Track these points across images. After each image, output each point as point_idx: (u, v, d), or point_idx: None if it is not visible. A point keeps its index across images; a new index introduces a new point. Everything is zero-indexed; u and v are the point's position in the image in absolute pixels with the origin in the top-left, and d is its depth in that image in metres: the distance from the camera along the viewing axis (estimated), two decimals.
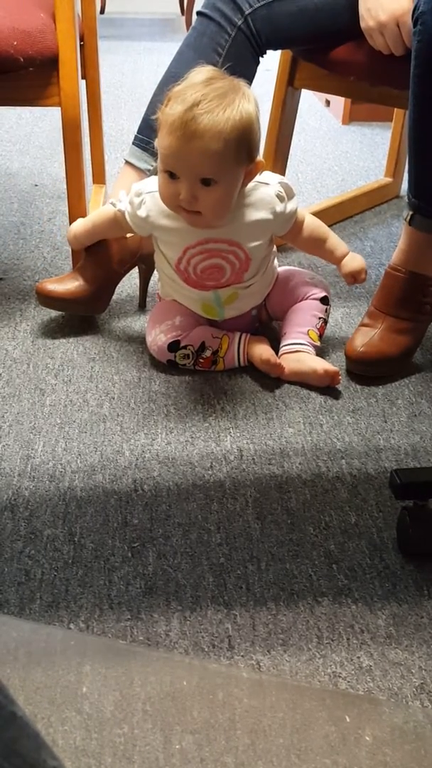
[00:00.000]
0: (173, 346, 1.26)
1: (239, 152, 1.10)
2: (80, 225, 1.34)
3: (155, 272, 1.43)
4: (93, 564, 0.92)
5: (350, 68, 1.44)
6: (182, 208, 1.13)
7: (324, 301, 1.33)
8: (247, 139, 1.10)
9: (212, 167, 1.09)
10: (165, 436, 1.14)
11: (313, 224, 1.30)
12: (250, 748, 0.72)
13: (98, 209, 1.34)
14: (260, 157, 1.16)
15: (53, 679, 0.78)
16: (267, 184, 1.21)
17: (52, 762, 0.39)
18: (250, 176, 1.16)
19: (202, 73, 1.11)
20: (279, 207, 1.21)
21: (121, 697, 0.76)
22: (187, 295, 1.27)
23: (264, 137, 1.46)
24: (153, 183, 1.20)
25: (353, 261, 1.31)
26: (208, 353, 1.26)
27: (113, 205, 1.28)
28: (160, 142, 1.11)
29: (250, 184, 1.18)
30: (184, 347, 1.26)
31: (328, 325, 1.35)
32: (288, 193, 1.23)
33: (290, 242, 1.32)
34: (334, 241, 1.32)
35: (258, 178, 1.19)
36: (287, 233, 1.28)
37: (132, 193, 1.23)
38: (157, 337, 1.27)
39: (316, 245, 1.32)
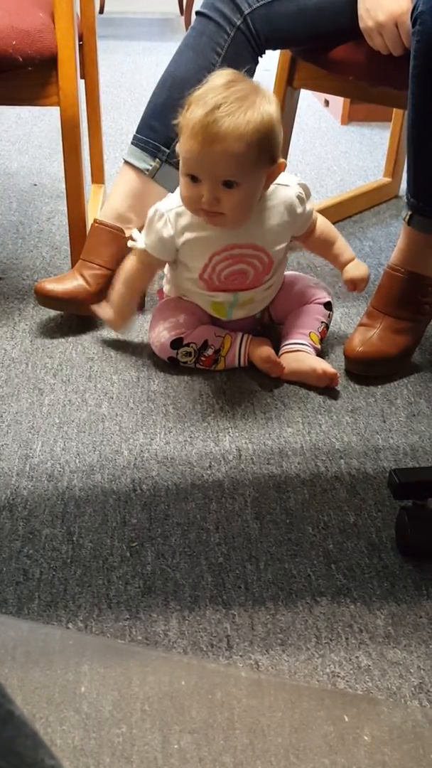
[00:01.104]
0: (176, 344, 1.26)
1: (261, 154, 1.10)
2: (117, 297, 1.28)
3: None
4: (91, 563, 0.92)
5: (349, 68, 1.44)
6: (203, 210, 1.13)
7: (327, 306, 1.33)
8: (268, 140, 1.10)
9: (234, 169, 1.09)
10: (164, 435, 1.14)
11: (324, 225, 1.32)
12: (248, 747, 0.72)
13: (122, 270, 1.28)
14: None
15: (51, 678, 0.78)
16: (287, 185, 1.22)
17: (50, 761, 0.39)
18: (272, 177, 1.17)
19: (222, 76, 1.11)
20: (299, 209, 1.23)
21: (120, 697, 0.76)
22: (203, 296, 1.28)
23: None
24: (168, 202, 1.21)
25: (357, 269, 1.32)
26: (210, 352, 1.27)
27: (132, 245, 1.25)
28: (182, 147, 1.11)
29: (271, 187, 1.19)
30: (187, 345, 1.26)
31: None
32: (306, 194, 1.25)
33: (301, 242, 1.33)
34: (342, 244, 1.33)
35: (277, 179, 1.19)
36: (302, 234, 1.29)
37: (153, 218, 1.21)
38: (161, 334, 1.27)
39: (325, 247, 1.33)
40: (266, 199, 1.20)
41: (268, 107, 1.09)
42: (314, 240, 1.32)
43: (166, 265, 1.33)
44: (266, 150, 1.11)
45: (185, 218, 1.19)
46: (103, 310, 1.30)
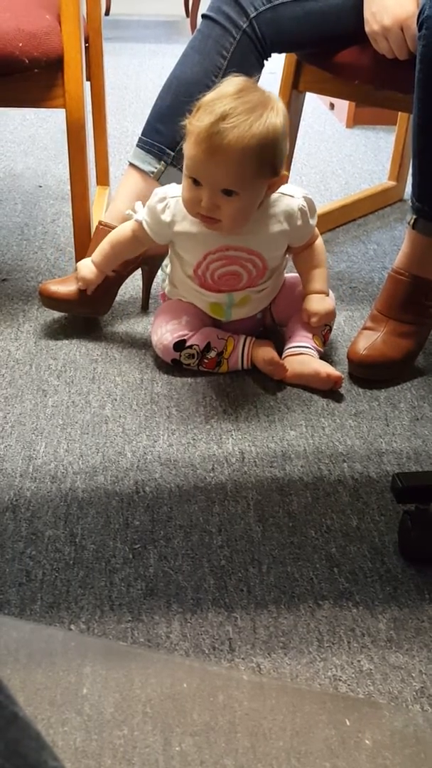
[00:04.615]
0: (179, 346, 1.26)
1: (262, 167, 1.11)
2: (98, 254, 1.32)
3: (158, 274, 1.43)
4: (94, 565, 0.92)
5: (355, 72, 1.44)
6: (201, 214, 1.14)
7: None
8: (271, 153, 1.10)
9: (234, 180, 1.10)
10: (167, 437, 1.14)
11: (319, 248, 1.31)
12: (250, 750, 0.72)
13: (113, 232, 1.31)
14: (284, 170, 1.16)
15: (53, 680, 0.78)
16: (292, 196, 1.22)
17: (53, 763, 0.39)
18: (272, 189, 1.17)
19: (233, 84, 1.11)
20: (299, 221, 1.23)
21: (122, 699, 0.76)
22: (199, 295, 1.28)
23: None
24: (176, 188, 1.22)
25: (320, 302, 1.29)
26: (212, 354, 1.27)
27: (130, 215, 1.28)
28: (187, 150, 1.12)
29: (275, 195, 1.20)
30: (190, 347, 1.26)
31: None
32: (311, 210, 1.25)
33: (291, 253, 1.32)
34: (322, 274, 1.31)
35: (283, 189, 1.20)
36: (299, 246, 1.29)
37: (155, 199, 1.23)
38: (163, 336, 1.27)
39: (307, 268, 1.31)
40: (268, 207, 1.20)
41: (275, 120, 1.09)
42: (303, 257, 1.31)
43: (168, 266, 1.33)
44: (268, 163, 1.11)
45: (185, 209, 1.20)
46: (81, 264, 1.33)
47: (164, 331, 1.27)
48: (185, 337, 1.26)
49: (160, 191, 1.23)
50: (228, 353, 1.27)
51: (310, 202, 1.25)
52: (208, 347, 1.26)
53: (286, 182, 1.20)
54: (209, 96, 1.10)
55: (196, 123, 1.09)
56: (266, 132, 1.08)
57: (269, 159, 1.11)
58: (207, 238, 1.20)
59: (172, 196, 1.21)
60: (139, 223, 1.26)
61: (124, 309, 1.47)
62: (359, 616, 0.88)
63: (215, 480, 1.06)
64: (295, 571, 0.93)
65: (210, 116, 1.07)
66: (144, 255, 1.38)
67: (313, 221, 1.26)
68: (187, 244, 1.23)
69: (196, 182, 1.12)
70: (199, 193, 1.12)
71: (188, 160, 1.12)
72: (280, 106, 1.12)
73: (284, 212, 1.21)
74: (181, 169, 1.30)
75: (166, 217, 1.22)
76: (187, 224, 1.21)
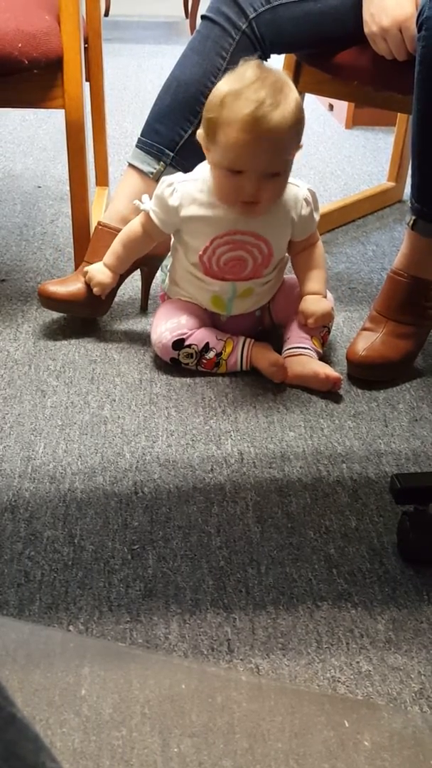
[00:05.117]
0: (177, 344, 1.26)
1: (299, 139, 1.16)
2: (110, 256, 1.32)
3: (158, 274, 1.43)
4: (93, 566, 0.92)
5: (354, 73, 1.44)
6: (242, 201, 1.16)
7: None
8: (302, 125, 1.15)
9: (280, 161, 1.14)
10: (166, 438, 1.14)
11: (319, 251, 1.32)
12: (248, 752, 0.72)
13: (122, 233, 1.31)
14: None
15: (52, 681, 0.78)
16: (297, 186, 1.25)
17: (51, 764, 0.39)
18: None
19: (251, 68, 1.13)
20: (304, 210, 1.25)
21: (120, 700, 0.76)
22: (201, 286, 1.28)
23: None
24: (182, 176, 1.23)
25: (316, 303, 1.29)
26: (211, 354, 1.27)
27: (137, 204, 1.29)
28: (225, 142, 1.12)
29: None
30: (188, 346, 1.26)
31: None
32: (314, 201, 1.27)
33: (291, 253, 1.32)
34: (320, 276, 1.31)
35: (289, 179, 1.22)
36: (298, 243, 1.29)
37: (162, 186, 1.24)
38: (162, 335, 1.27)
39: (305, 269, 1.31)
40: None
41: (295, 92, 1.13)
42: (303, 257, 1.31)
43: (168, 265, 1.33)
44: (300, 135, 1.16)
45: (194, 193, 1.21)
46: (94, 269, 1.33)
47: (163, 330, 1.27)
48: (184, 336, 1.26)
49: (166, 179, 1.24)
50: (227, 354, 1.27)
51: (313, 194, 1.27)
52: (206, 347, 1.27)
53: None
54: (232, 85, 1.11)
55: (234, 113, 1.09)
56: (297, 106, 1.12)
57: (301, 131, 1.15)
58: (216, 222, 1.21)
59: (178, 181, 1.23)
60: (147, 215, 1.26)
61: (123, 310, 1.47)
62: (358, 617, 0.88)
63: (214, 481, 1.06)
64: (293, 572, 0.93)
65: (248, 103, 1.09)
66: (143, 255, 1.38)
67: (317, 215, 1.28)
68: (196, 228, 1.23)
69: (235, 172, 1.14)
70: (240, 181, 1.14)
71: (228, 152, 1.12)
72: (287, 77, 1.15)
73: (291, 199, 1.24)
74: (180, 169, 1.30)
75: (173, 201, 1.22)
76: (195, 208, 1.22)
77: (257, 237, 1.22)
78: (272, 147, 1.11)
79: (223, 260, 1.24)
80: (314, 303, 1.29)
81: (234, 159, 1.12)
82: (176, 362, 1.28)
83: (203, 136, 1.16)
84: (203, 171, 1.22)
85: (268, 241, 1.23)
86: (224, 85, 1.12)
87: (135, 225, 1.30)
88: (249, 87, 1.10)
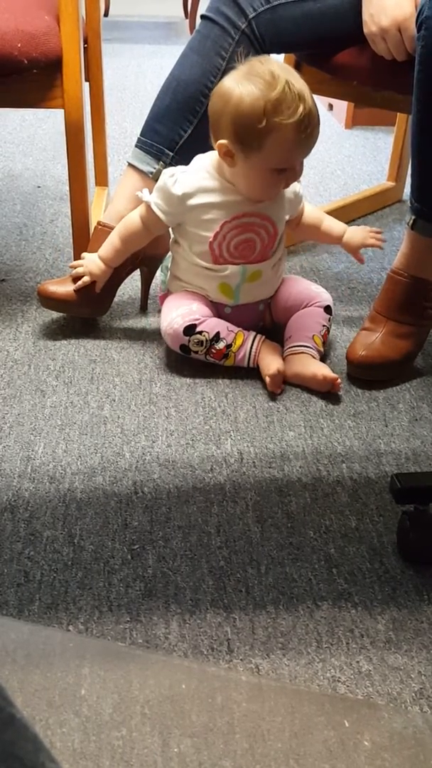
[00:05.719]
0: (189, 330, 1.26)
1: None
2: (105, 248, 1.33)
3: (157, 275, 1.43)
4: (92, 566, 0.92)
5: (353, 73, 1.44)
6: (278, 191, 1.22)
7: (327, 310, 1.34)
8: None
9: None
10: (165, 438, 1.14)
11: (310, 210, 1.39)
12: (248, 752, 0.72)
13: (121, 221, 1.32)
14: None
15: (52, 681, 0.78)
16: None
17: (51, 765, 0.39)
18: None
19: (269, 63, 1.15)
20: (297, 186, 1.29)
21: (120, 700, 0.76)
22: (209, 275, 1.28)
23: None
24: (184, 168, 1.25)
25: (353, 237, 1.38)
26: (221, 345, 1.27)
27: (139, 196, 1.29)
28: (276, 146, 1.14)
29: None
30: (200, 333, 1.26)
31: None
32: None
33: (293, 229, 1.39)
34: (330, 222, 1.40)
35: None
36: (293, 218, 1.34)
37: (165, 177, 1.24)
38: (174, 321, 1.26)
39: (315, 231, 1.40)
40: None
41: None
42: (305, 225, 1.38)
43: (170, 263, 1.33)
44: None
45: (199, 182, 1.22)
46: (89, 258, 1.35)
47: (175, 316, 1.27)
48: (196, 322, 1.26)
49: (168, 170, 1.25)
50: (236, 347, 1.27)
51: None
52: (217, 337, 1.26)
53: None
54: (264, 91, 1.12)
55: (287, 116, 1.12)
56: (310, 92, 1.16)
57: None
58: (227, 207, 1.23)
59: (182, 172, 1.24)
60: (148, 208, 1.27)
61: (123, 309, 1.47)
62: (358, 616, 0.87)
63: (214, 481, 1.06)
64: (293, 572, 0.93)
65: (301, 102, 1.13)
66: (143, 255, 1.38)
67: (299, 188, 1.32)
68: (206, 215, 1.24)
69: (281, 170, 1.18)
70: (284, 176, 1.19)
71: (282, 153, 1.15)
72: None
73: None
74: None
75: (177, 190, 1.22)
76: (204, 196, 1.23)
77: (263, 217, 1.25)
78: (315, 139, 1.17)
79: (234, 244, 1.25)
80: (353, 238, 1.38)
81: (287, 158, 1.16)
82: (185, 350, 1.27)
83: (235, 147, 1.16)
84: (203, 162, 1.24)
85: (272, 219, 1.25)
86: (254, 91, 1.12)
87: (134, 218, 1.30)
88: (282, 87, 1.12)
